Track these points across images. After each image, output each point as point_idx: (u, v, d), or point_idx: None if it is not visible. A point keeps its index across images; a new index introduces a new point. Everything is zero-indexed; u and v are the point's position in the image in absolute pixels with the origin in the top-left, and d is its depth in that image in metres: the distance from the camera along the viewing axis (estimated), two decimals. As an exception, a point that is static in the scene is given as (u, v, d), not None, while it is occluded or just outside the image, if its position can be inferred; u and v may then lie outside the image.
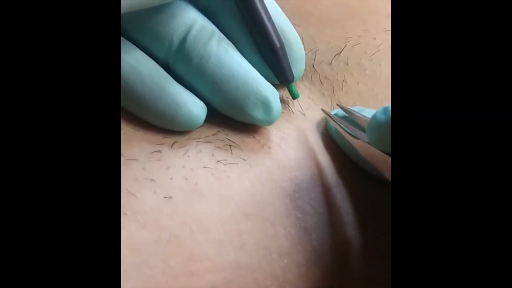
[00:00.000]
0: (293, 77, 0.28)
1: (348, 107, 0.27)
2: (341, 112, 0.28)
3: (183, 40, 0.25)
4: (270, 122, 0.26)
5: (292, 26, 0.28)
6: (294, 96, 0.28)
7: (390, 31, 0.30)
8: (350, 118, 0.27)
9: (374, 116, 0.22)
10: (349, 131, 0.26)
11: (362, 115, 0.26)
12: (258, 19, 0.26)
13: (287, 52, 0.27)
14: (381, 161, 0.22)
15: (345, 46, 0.30)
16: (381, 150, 0.22)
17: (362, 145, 0.24)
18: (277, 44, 0.26)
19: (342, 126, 0.26)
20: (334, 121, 0.27)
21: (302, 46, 0.28)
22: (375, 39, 0.30)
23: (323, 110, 0.28)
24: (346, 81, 0.29)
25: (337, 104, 0.28)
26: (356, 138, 0.25)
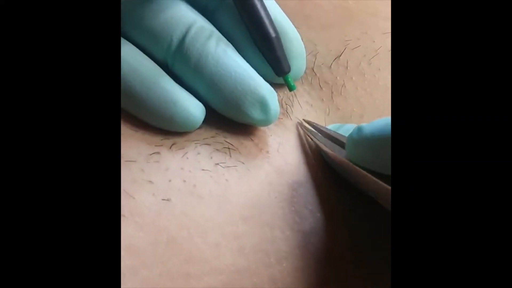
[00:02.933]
0: (289, 68, 0.27)
1: (325, 126, 0.27)
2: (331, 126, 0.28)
3: (182, 40, 0.25)
4: (267, 122, 0.26)
5: (291, 23, 0.28)
6: (291, 88, 0.27)
7: (388, 34, 0.30)
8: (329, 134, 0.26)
9: (350, 136, 0.22)
10: (328, 149, 0.25)
11: (337, 133, 0.26)
12: (253, 10, 0.26)
13: (287, 48, 0.27)
14: (362, 178, 0.22)
15: (345, 49, 0.30)
16: (360, 167, 0.22)
17: (342, 161, 0.24)
18: (272, 34, 0.26)
19: (323, 142, 0.26)
20: (315, 137, 0.26)
21: (302, 42, 0.28)
22: (374, 41, 0.30)
23: (302, 127, 0.28)
24: (345, 86, 0.29)
25: (310, 124, 0.28)
26: (335, 154, 0.24)
